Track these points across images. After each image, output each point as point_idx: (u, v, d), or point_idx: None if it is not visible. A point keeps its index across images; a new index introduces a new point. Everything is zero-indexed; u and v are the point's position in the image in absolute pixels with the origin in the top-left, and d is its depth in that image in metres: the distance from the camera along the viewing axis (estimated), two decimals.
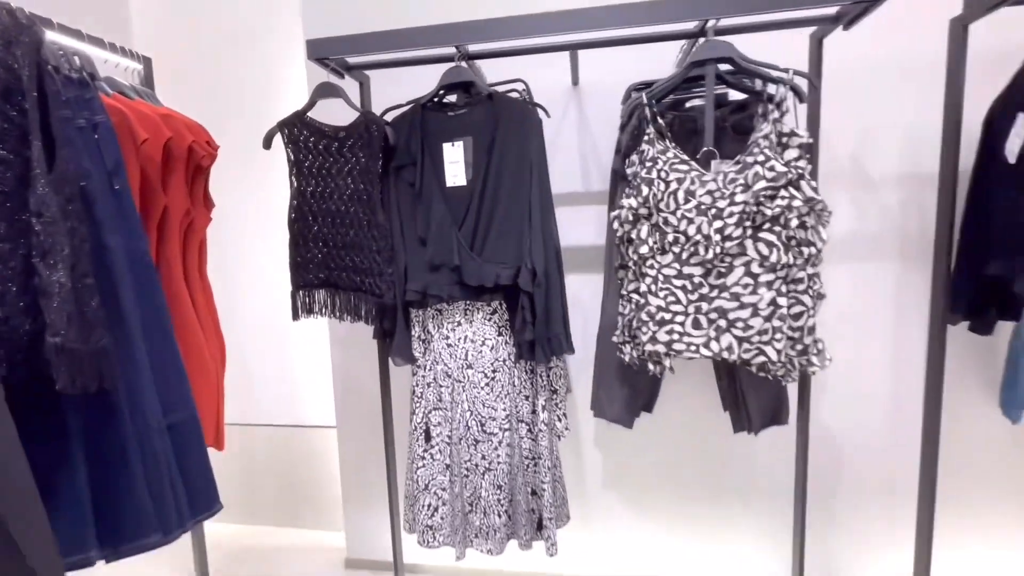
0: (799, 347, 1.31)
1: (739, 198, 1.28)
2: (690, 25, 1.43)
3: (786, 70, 1.28)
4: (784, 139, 1.27)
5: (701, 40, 1.49)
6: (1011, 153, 1.35)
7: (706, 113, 1.35)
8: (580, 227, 1.88)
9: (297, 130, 1.51)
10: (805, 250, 1.27)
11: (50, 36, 1.13)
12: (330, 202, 1.51)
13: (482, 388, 1.50)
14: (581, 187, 1.88)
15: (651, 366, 1.45)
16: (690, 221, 1.33)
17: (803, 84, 1.33)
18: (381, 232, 1.46)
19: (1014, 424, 1.47)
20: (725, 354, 1.35)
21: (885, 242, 1.77)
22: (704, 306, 1.35)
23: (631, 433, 1.80)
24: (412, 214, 1.48)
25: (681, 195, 1.33)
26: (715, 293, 1.35)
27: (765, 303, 1.29)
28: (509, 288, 1.42)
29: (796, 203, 1.23)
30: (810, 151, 1.26)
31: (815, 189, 1.24)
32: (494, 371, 1.50)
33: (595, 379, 1.78)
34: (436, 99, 1.49)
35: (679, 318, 1.37)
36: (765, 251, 1.27)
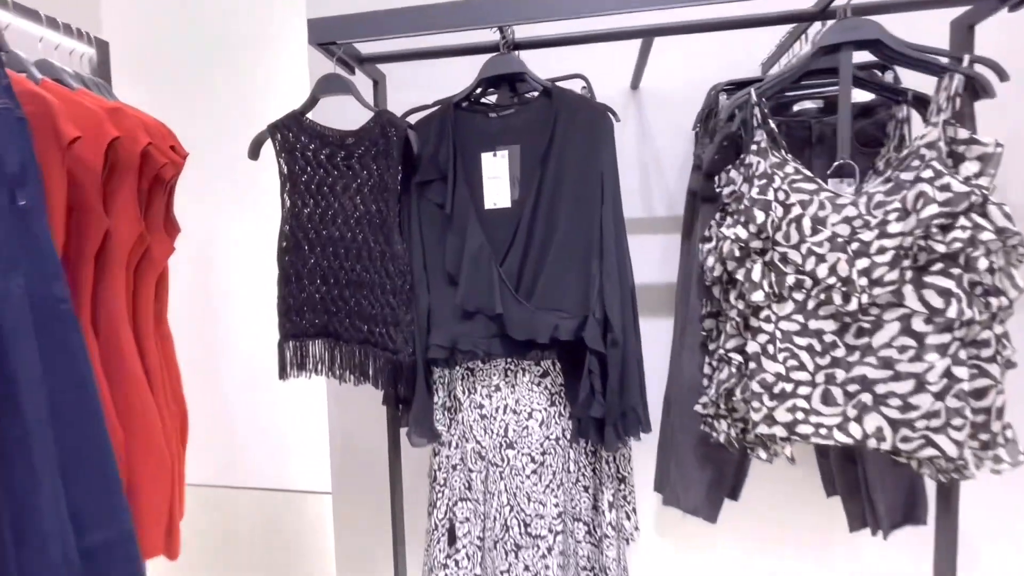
0: (983, 436, 0.94)
1: (894, 228, 0.93)
2: (806, 3, 1.10)
3: (958, 58, 0.94)
4: (958, 148, 0.93)
5: (816, 27, 1.16)
6: None
7: (840, 114, 1.01)
8: (639, 260, 1.52)
9: (293, 135, 1.17)
10: (993, 301, 0.91)
11: None
12: (332, 227, 1.17)
13: (527, 476, 1.12)
14: (640, 211, 1.53)
15: (760, 453, 1.07)
16: (820, 259, 0.97)
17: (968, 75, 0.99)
18: (398, 267, 1.11)
19: None
20: (872, 442, 0.97)
21: None
22: (839, 374, 0.99)
23: (707, 526, 1.40)
24: (439, 244, 1.13)
25: (807, 224, 0.98)
26: (855, 357, 0.98)
27: (936, 374, 0.92)
28: (565, 343, 1.05)
29: (984, 236, 0.88)
30: (993, 165, 0.92)
31: (1009, 216, 0.89)
32: (543, 453, 1.12)
33: (661, 455, 1.40)
34: (473, 97, 1.16)
35: (803, 389, 1.00)
36: (937, 302, 0.91)
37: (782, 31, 1.35)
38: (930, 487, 1.22)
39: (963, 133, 0.92)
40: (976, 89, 0.95)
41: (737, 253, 1.02)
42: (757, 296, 1.00)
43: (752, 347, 1.03)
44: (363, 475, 1.82)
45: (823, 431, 1.00)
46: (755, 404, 1.02)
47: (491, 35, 1.16)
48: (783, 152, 1.04)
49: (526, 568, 1.12)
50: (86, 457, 0.81)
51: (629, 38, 1.15)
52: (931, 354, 0.92)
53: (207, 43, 1.97)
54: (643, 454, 1.44)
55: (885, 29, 0.98)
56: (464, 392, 1.17)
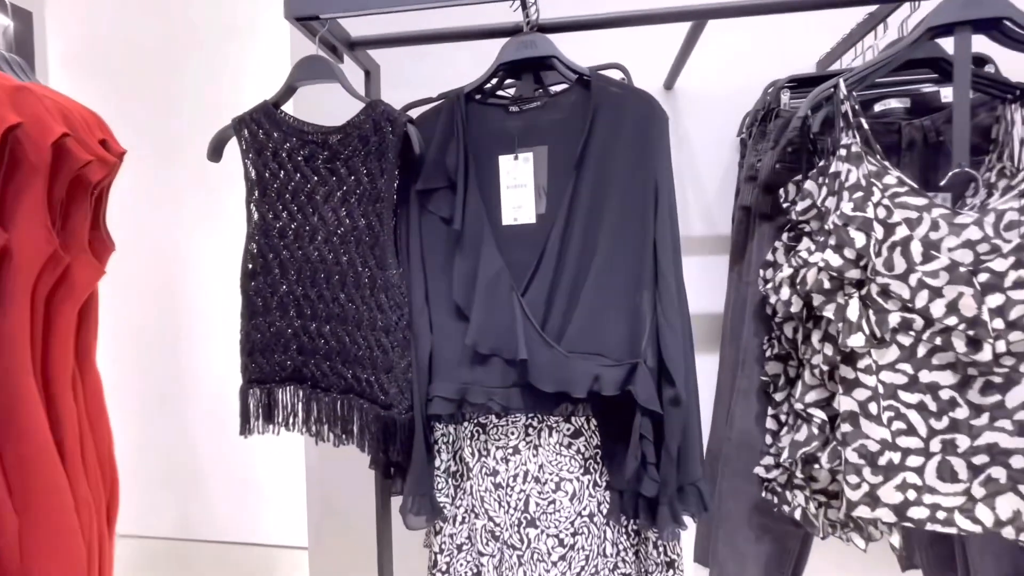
0: None
1: None
2: None
3: None
4: None
5: (898, 14, 0.97)
6: None
7: (955, 110, 0.80)
8: None
9: (264, 131, 0.94)
10: None
11: None
12: (310, 246, 0.93)
13: (553, 563, 0.88)
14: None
15: (855, 539, 0.84)
16: (935, 293, 0.76)
17: None
18: (393, 297, 0.87)
19: None
20: (1009, 531, 0.75)
21: None
22: (961, 441, 0.77)
23: None
24: (445, 269, 0.90)
25: (916, 248, 0.77)
26: (982, 419, 0.77)
27: None
28: (603, 397, 0.82)
29: None
30: None
31: None
32: (574, 534, 0.88)
33: (710, 524, 1.17)
34: (489, 88, 0.94)
35: (913, 460, 0.78)
36: None
37: (840, 27, 1.16)
38: None
39: None
40: None
41: (827, 284, 0.81)
42: (856, 340, 0.78)
43: (847, 404, 0.80)
44: (345, 528, 1.62)
45: (941, 515, 0.78)
46: (851, 478, 0.80)
47: (508, 14, 0.95)
48: (880, 158, 0.83)
49: None
50: None
51: (677, 20, 0.95)
52: None
53: (173, 27, 1.74)
54: None
55: (1014, 6, 0.78)
56: (474, 455, 0.93)
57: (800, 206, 0.91)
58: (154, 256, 1.79)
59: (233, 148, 0.98)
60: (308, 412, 0.96)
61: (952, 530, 0.77)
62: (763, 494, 1.01)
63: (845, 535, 0.88)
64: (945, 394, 0.78)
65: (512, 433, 0.91)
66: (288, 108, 0.99)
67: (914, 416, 0.79)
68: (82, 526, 0.79)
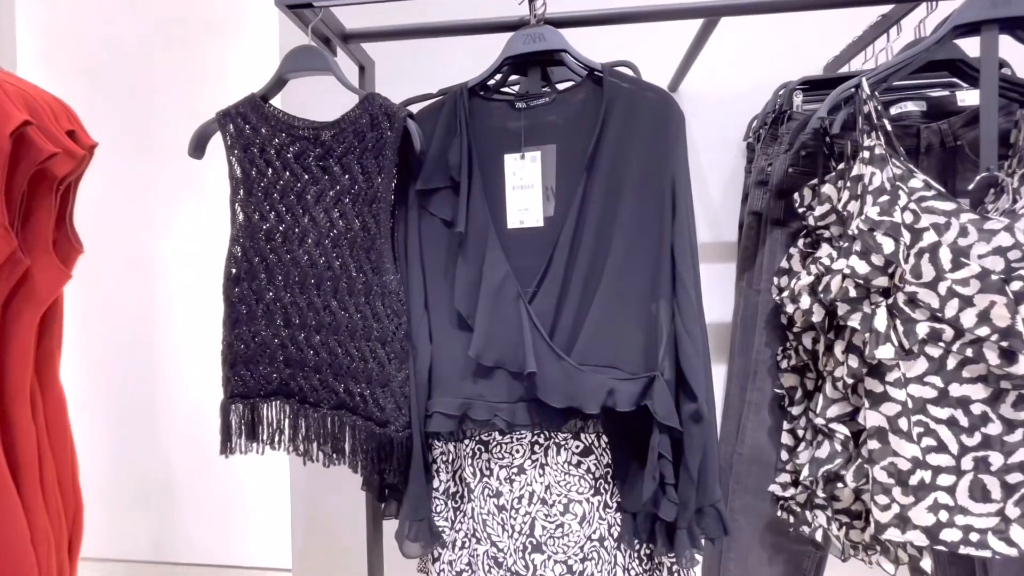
0: None
1: None
2: None
3: None
4: None
5: (913, 16, 0.94)
6: None
7: (983, 112, 0.77)
8: None
9: (250, 126, 0.88)
10: None
11: None
12: (300, 249, 0.87)
13: None
14: None
15: (884, 564, 0.80)
16: (965, 302, 0.73)
17: None
18: (390, 305, 0.81)
19: None
20: None
21: None
22: (994, 459, 0.73)
23: None
24: (447, 274, 0.84)
25: (945, 255, 0.74)
26: (1015, 435, 0.73)
27: None
28: (615, 412, 0.77)
29: None
30: None
31: None
32: (584, 559, 0.82)
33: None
34: (493, 83, 0.89)
35: (944, 479, 0.74)
36: None
37: (847, 30, 1.14)
38: None
39: None
40: None
41: (853, 293, 0.76)
42: (884, 352, 0.73)
43: (874, 419, 0.76)
44: (332, 549, 1.54)
45: (974, 537, 0.73)
46: (880, 499, 0.75)
47: (512, 7, 0.90)
48: (904, 160, 0.79)
49: None
50: None
51: (692, 16, 0.91)
52: None
53: (153, 18, 1.66)
54: None
55: None
56: (475, 475, 0.86)
57: (818, 211, 0.88)
58: (127, 259, 1.69)
59: (217, 144, 0.91)
60: (295, 429, 0.88)
61: (987, 553, 0.73)
62: (778, 513, 0.96)
63: (870, 558, 0.83)
64: (977, 409, 0.74)
65: (517, 451, 0.85)
66: (276, 104, 0.92)
67: (944, 432, 0.74)
68: (39, 562, 0.70)
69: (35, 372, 0.77)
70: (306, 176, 0.87)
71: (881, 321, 0.74)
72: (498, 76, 0.89)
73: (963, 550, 0.73)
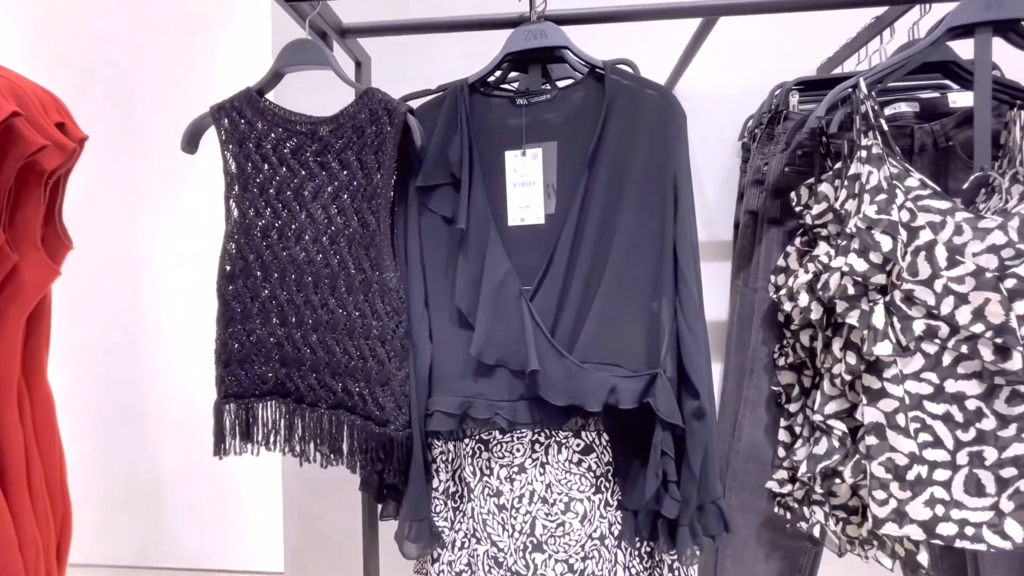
0: None
1: None
2: None
3: None
4: None
5: (906, 18, 0.96)
6: None
7: (976, 113, 0.79)
8: None
9: (246, 121, 0.86)
10: None
11: None
12: (297, 246, 0.85)
13: None
14: None
15: (882, 558, 0.81)
16: (960, 299, 0.74)
17: None
18: (390, 303, 0.80)
19: None
20: None
21: None
22: (988, 453, 0.74)
23: None
24: (447, 272, 0.84)
25: (941, 253, 0.75)
26: (1010, 431, 0.74)
27: None
28: (617, 410, 0.77)
29: None
30: None
31: None
32: (584, 559, 0.82)
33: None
34: (494, 80, 0.88)
35: (940, 474, 0.75)
36: None
37: (841, 31, 1.15)
38: None
39: None
40: None
41: (851, 290, 0.77)
42: (883, 348, 0.74)
43: (872, 415, 0.77)
44: (326, 551, 1.54)
45: (969, 531, 0.74)
46: (878, 494, 0.76)
47: (511, 5, 0.90)
48: (900, 160, 0.80)
49: None
50: None
51: (692, 16, 0.91)
52: None
53: (142, 11, 1.63)
54: None
55: None
56: (475, 474, 0.85)
57: (816, 209, 0.89)
58: (117, 255, 1.65)
59: (210, 139, 0.89)
60: (291, 429, 0.87)
61: (981, 547, 0.74)
62: (775, 509, 0.97)
63: (866, 552, 0.84)
64: (971, 404, 0.75)
65: (517, 450, 0.84)
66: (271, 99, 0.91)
67: (940, 428, 0.76)
68: (27, 567, 0.68)
69: (22, 372, 0.75)
70: (303, 172, 0.85)
71: (879, 318, 0.75)
72: (498, 72, 0.89)
73: (959, 544, 0.74)
